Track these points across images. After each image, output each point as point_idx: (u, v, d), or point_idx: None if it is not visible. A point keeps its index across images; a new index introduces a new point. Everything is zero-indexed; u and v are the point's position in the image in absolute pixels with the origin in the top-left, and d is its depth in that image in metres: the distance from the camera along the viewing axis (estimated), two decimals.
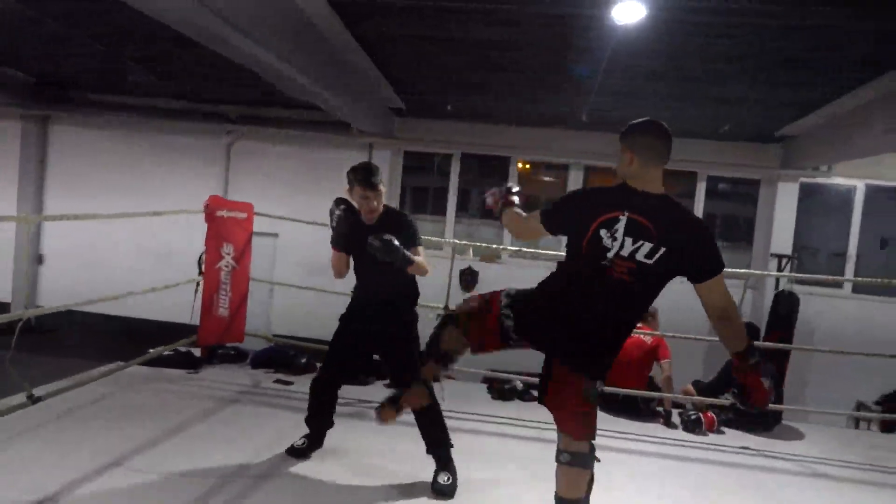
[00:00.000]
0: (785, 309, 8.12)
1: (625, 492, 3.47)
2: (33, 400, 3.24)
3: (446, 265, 5.04)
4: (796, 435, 4.78)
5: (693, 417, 4.59)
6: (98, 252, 10.27)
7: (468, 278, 9.44)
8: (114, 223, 9.46)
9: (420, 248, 3.43)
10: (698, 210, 9.18)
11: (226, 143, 9.99)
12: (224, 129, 9.90)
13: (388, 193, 9.64)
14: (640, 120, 2.47)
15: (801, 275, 8.50)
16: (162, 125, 9.88)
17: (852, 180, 8.84)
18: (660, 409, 4.88)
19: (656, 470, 3.90)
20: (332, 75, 6.84)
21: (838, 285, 8.84)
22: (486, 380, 5.41)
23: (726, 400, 4.55)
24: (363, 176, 3.31)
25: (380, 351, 3.61)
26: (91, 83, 9.44)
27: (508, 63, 6.80)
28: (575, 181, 9.57)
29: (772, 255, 8.79)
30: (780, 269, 8.67)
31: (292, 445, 3.60)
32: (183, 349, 5.18)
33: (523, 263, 9.32)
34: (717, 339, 2.56)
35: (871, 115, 6.39)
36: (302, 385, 4.93)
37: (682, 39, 5.65)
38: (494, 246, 6.98)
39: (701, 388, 4.99)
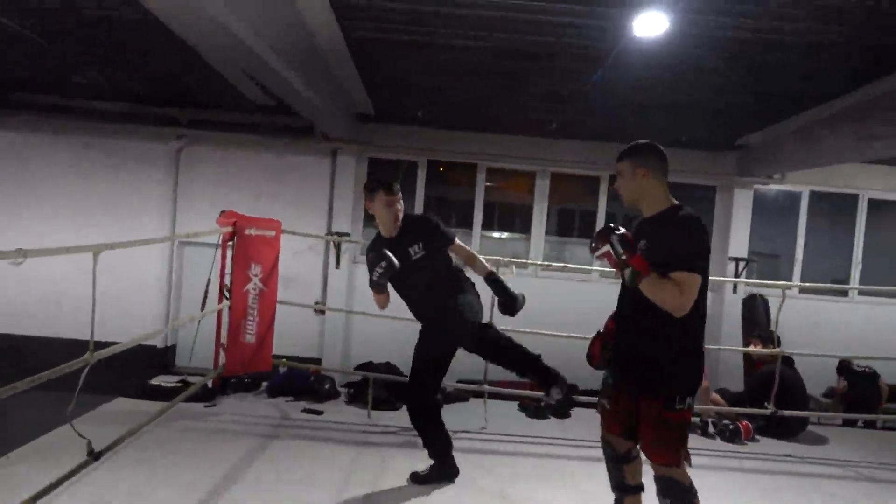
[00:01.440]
0: (757, 313, 8.63)
1: None
2: (95, 456, 2.80)
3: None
4: (821, 439, 4.98)
5: (732, 427, 4.67)
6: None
7: None
8: (44, 234, 8.57)
9: (457, 240, 3.53)
10: None
11: (175, 149, 9.29)
12: (173, 133, 9.20)
13: (353, 201, 9.39)
14: (647, 142, 2.65)
15: (770, 282, 8.96)
16: (103, 129, 9.06)
17: (799, 187, 9.41)
18: (693, 419, 4.94)
19: (721, 482, 3.92)
20: (314, 75, 6.51)
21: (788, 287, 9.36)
22: (516, 397, 5.27)
23: (765, 409, 4.66)
24: (384, 183, 3.41)
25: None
26: (25, 83, 8.52)
27: (498, 70, 6.71)
28: (541, 189, 9.62)
29: (729, 258, 9.21)
30: (737, 273, 9.11)
31: (416, 474, 3.54)
32: (192, 380, 4.74)
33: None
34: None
35: (841, 126, 6.79)
36: (331, 414, 4.65)
37: (683, 52, 5.75)
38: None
39: (728, 397, 5.10)
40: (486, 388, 4.66)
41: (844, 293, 9.46)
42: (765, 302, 8.82)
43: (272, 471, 3.55)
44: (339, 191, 9.32)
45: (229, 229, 4.17)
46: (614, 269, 2.52)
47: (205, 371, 5.31)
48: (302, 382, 4.92)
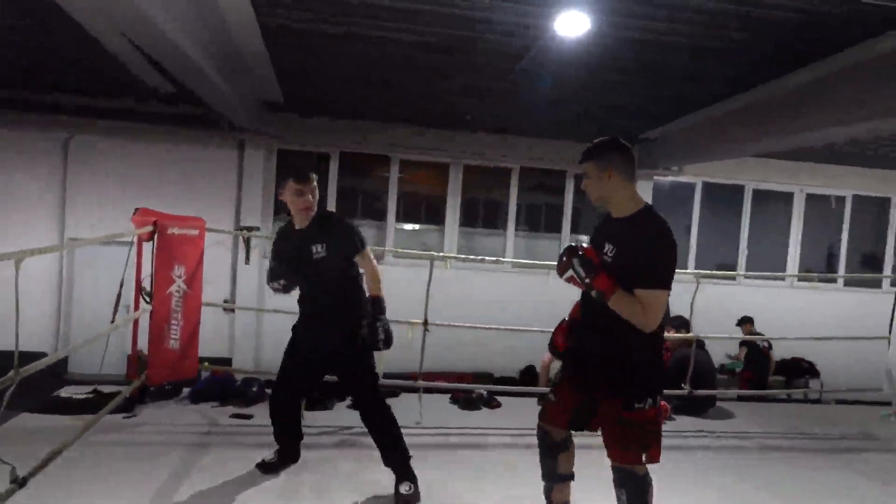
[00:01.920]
0: None
1: None
2: (20, 483, 2.54)
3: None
4: (727, 414, 5.36)
5: None
6: None
7: None
8: None
9: (367, 251, 3.37)
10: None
11: (62, 139, 8.58)
12: (59, 122, 8.49)
13: (263, 194, 9.07)
14: (611, 141, 2.58)
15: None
16: None
17: (693, 178, 10.04)
18: None
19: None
20: (225, 61, 6.22)
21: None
22: (448, 390, 5.29)
23: (682, 390, 4.96)
24: (296, 169, 3.29)
25: (332, 368, 3.50)
26: None
27: (416, 63, 6.67)
28: (454, 179, 9.69)
29: None
30: None
31: (263, 460, 3.55)
32: (106, 390, 4.43)
33: (406, 263, 9.28)
34: None
35: (733, 124, 7.30)
36: (262, 418, 4.45)
37: (599, 52, 5.95)
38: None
39: None
40: (422, 383, 4.65)
41: (733, 277, 10.18)
42: None
43: (209, 482, 3.37)
44: (247, 183, 8.97)
45: (149, 228, 3.90)
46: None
47: (108, 378, 4.97)
48: (227, 386, 4.70)
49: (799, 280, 10.32)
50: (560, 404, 2.69)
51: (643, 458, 2.50)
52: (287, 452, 3.62)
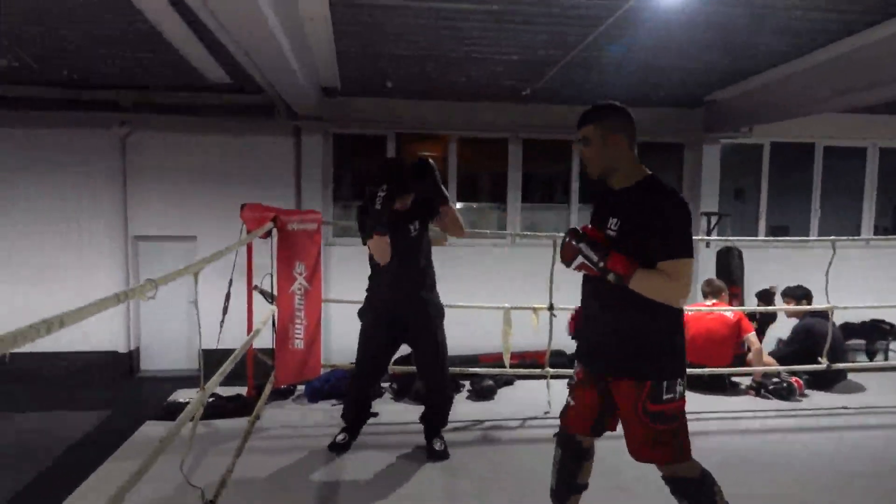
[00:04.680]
0: (727, 264, 8.82)
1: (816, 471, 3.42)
2: None
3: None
4: (858, 388, 5.09)
5: (786, 385, 4.69)
6: None
7: None
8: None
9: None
10: None
11: (120, 136, 8.42)
12: (115, 119, 8.33)
13: (322, 181, 8.86)
14: (615, 103, 2.29)
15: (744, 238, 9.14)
16: (31, 118, 8.10)
17: (761, 139, 9.65)
18: (736, 381, 4.94)
19: (819, 443, 3.90)
20: (296, 43, 5.97)
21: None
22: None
23: (819, 364, 4.70)
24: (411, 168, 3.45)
25: (411, 341, 3.63)
26: None
27: (478, 36, 6.39)
28: (515, 154, 9.41)
29: (702, 213, 9.36)
30: (709, 227, 9.29)
31: (335, 441, 3.64)
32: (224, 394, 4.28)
33: (469, 242, 9.05)
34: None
35: (818, 79, 6.92)
36: (387, 414, 4.30)
37: (676, 11, 5.62)
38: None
39: (777, 356, 5.12)
40: (550, 370, 4.45)
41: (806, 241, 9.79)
42: (740, 254, 8.99)
43: (378, 486, 3.22)
44: (306, 171, 8.78)
45: (270, 226, 3.70)
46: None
47: (181, 374, 4.83)
48: (343, 382, 4.52)
49: None
50: (580, 407, 2.38)
51: (687, 454, 2.20)
52: (355, 433, 3.75)
